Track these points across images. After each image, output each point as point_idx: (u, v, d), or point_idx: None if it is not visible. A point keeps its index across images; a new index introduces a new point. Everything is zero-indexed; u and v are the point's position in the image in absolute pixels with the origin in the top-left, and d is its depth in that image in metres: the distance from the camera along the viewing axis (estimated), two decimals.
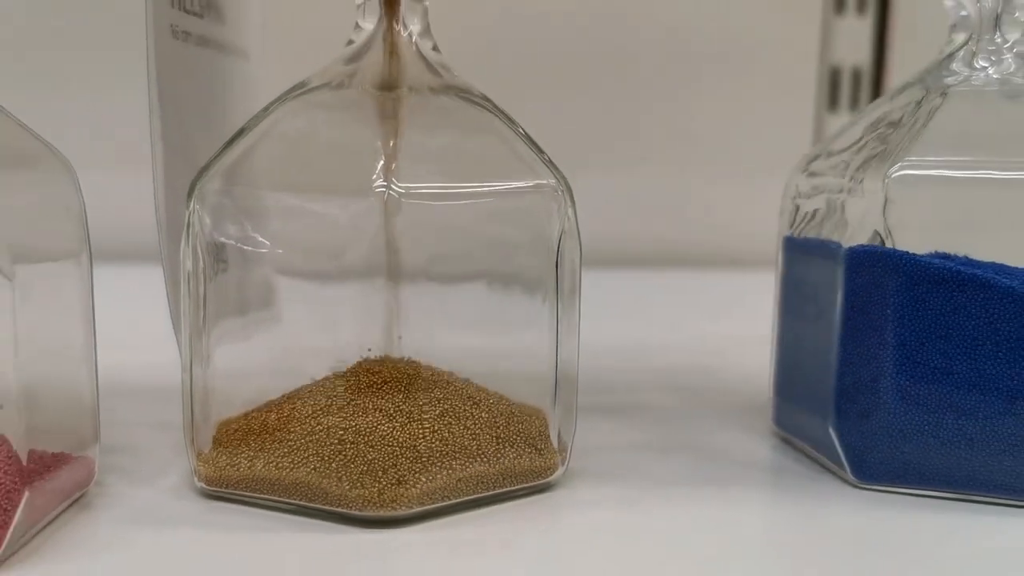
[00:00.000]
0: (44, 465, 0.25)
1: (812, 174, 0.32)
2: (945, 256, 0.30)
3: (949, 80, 0.31)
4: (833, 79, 0.74)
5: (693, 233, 0.70)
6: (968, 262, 0.29)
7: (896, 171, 0.28)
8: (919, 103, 0.30)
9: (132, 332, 0.36)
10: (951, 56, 0.31)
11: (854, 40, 0.73)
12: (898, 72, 0.72)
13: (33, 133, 0.26)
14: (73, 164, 0.27)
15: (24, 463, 0.24)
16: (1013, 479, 0.27)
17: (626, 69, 0.72)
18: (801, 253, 0.32)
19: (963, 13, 0.31)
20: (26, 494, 0.23)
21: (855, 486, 0.29)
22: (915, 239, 0.29)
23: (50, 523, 0.25)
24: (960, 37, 0.31)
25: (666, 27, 0.72)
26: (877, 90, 0.74)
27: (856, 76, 0.74)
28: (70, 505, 0.27)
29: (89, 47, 0.58)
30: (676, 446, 0.33)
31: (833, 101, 0.75)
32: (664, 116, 0.72)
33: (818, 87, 0.74)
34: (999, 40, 0.31)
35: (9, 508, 0.23)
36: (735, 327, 0.46)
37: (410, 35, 0.29)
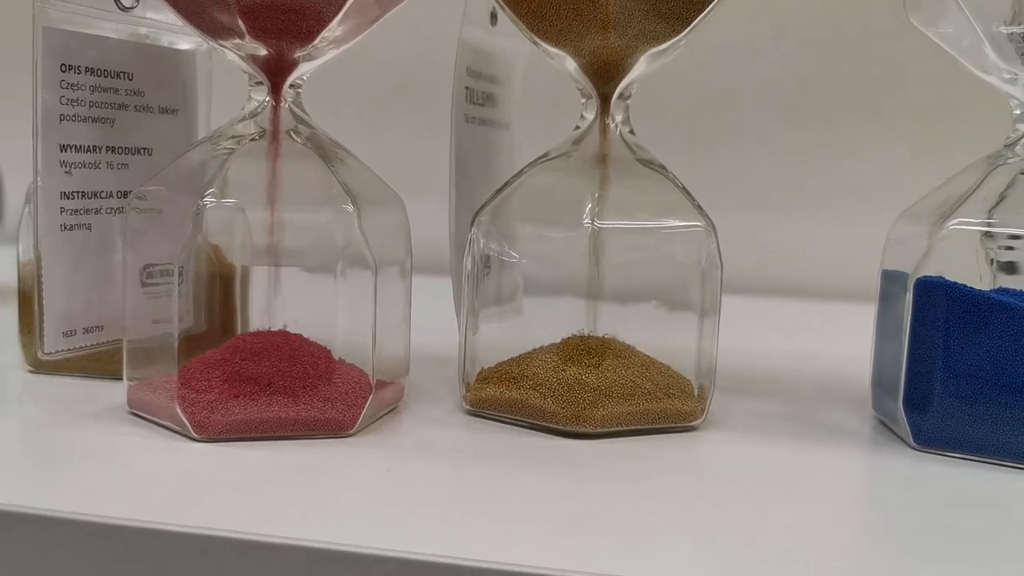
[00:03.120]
0: (381, 384, 0.42)
1: (905, 222, 0.44)
2: (1003, 291, 0.41)
3: (1012, 161, 0.41)
4: None
5: (810, 267, 0.81)
6: (1009, 292, 0.40)
7: (949, 225, 0.40)
8: (982, 179, 0.41)
9: (426, 315, 0.52)
10: (1015, 143, 0.42)
11: None
12: None
13: (383, 182, 0.43)
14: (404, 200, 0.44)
15: (372, 382, 0.41)
16: (1022, 449, 0.38)
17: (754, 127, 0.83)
18: (889, 282, 0.44)
19: (1018, 111, 0.42)
20: (371, 396, 0.40)
21: (915, 448, 0.41)
22: (970, 274, 0.40)
23: (380, 417, 0.42)
24: (1022, 127, 0.42)
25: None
26: None
27: None
28: (390, 411, 0.43)
29: (412, 131, 0.80)
30: (796, 418, 0.45)
31: None
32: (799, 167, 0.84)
33: None
34: None
35: (362, 402, 0.40)
36: (846, 343, 0.56)
37: (616, 124, 0.44)
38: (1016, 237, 0.40)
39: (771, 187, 0.85)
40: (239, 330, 0.46)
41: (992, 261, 0.42)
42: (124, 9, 0.44)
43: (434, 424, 0.42)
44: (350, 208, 0.39)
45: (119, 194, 0.44)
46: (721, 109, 0.86)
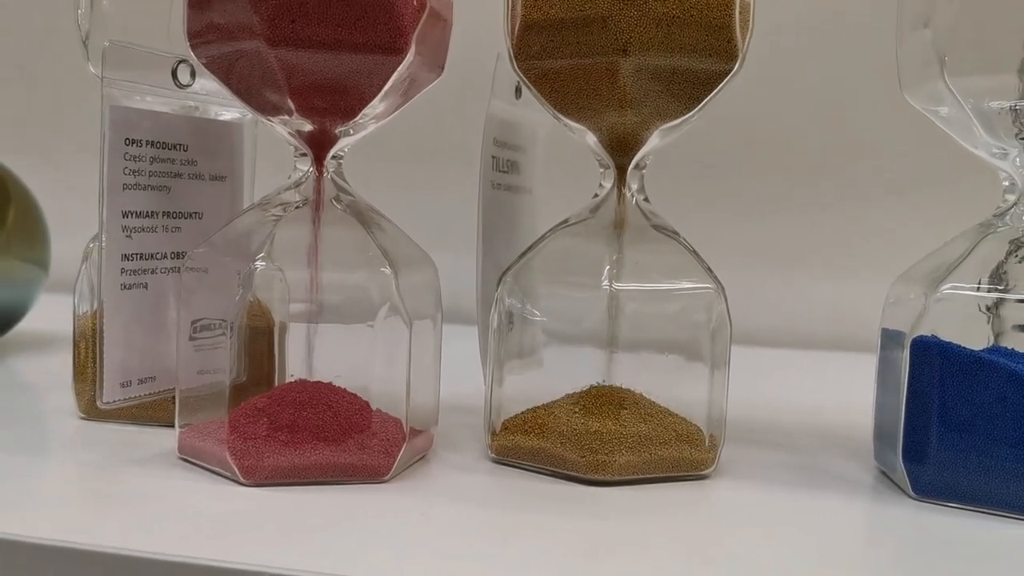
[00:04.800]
0: (414, 432, 0.45)
1: (902, 284, 0.47)
2: (993, 350, 0.44)
3: (1001, 229, 0.45)
4: None
5: (817, 322, 0.84)
6: (999, 351, 0.43)
7: (943, 289, 0.43)
8: (973, 246, 0.44)
9: (453, 366, 0.55)
10: (1004, 213, 0.45)
11: None
12: None
13: (416, 244, 0.47)
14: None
15: (406, 430, 0.44)
16: (1015, 499, 0.41)
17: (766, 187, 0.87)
18: (888, 340, 0.47)
19: (1007, 183, 0.45)
20: (405, 444, 0.43)
21: (913, 498, 0.43)
22: (962, 334, 0.43)
23: (411, 464, 0.45)
24: (1011, 197, 0.45)
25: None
26: None
27: None
28: (420, 458, 0.46)
29: (445, 195, 0.84)
30: (801, 467, 0.48)
31: None
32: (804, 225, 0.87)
33: None
34: None
35: (396, 449, 0.43)
36: (848, 395, 0.59)
37: (631, 192, 0.47)
38: (1001, 300, 0.43)
39: (778, 247, 0.89)
40: (276, 381, 0.49)
41: (989, 323, 0.45)
42: (181, 87, 0.48)
43: (462, 471, 0.45)
44: (387, 271, 0.43)
45: (173, 255, 0.48)
46: (733, 172, 0.89)
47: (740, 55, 0.43)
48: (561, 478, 0.44)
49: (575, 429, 0.44)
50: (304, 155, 0.45)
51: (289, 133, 0.44)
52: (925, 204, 0.85)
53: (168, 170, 0.47)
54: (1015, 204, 0.45)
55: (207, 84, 0.49)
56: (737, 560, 0.35)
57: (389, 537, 0.36)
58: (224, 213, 0.50)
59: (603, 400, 0.45)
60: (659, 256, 0.46)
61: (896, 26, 0.46)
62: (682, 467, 0.45)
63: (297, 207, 0.44)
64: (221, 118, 0.50)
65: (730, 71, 0.43)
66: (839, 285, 0.85)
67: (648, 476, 0.44)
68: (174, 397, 0.49)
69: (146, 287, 0.47)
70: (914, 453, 0.43)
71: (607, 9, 0.41)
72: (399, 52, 0.41)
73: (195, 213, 0.49)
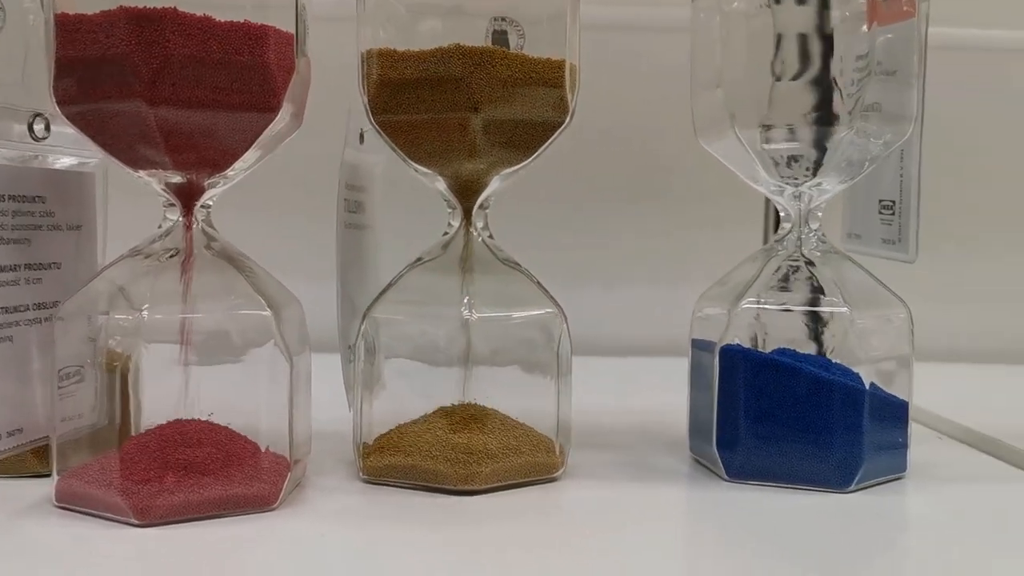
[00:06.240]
0: (295, 461, 0.48)
1: (707, 301, 0.55)
2: (781, 352, 0.53)
3: (780, 252, 0.54)
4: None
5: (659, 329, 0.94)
6: (787, 353, 0.52)
7: (742, 305, 0.51)
8: (762, 267, 0.53)
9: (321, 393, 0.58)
10: (782, 239, 0.55)
11: None
12: None
13: (282, 284, 0.50)
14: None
15: (290, 460, 0.47)
16: (809, 475, 0.50)
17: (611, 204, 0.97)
18: (698, 349, 0.55)
19: (783, 214, 0.54)
20: (290, 472, 0.47)
21: (727, 480, 0.52)
22: (757, 340, 0.52)
23: (292, 491, 0.48)
24: (787, 225, 0.55)
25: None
26: None
27: None
28: (297, 485, 0.50)
29: (304, 239, 0.86)
30: (632, 463, 0.55)
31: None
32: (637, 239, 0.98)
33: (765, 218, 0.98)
34: (809, 227, 0.54)
35: (281, 479, 0.46)
36: (661, 396, 0.68)
37: (477, 230, 0.53)
38: (786, 311, 0.52)
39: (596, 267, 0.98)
40: (141, 423, 0.51)
41: (771, 332, 0.54)
42: (37, 140, 0.48)
43: (341, 492, 0.49)
44: (267, 312, 0.46)
45: (35, 306, 0.48)
46: (560, 201, 0.98)
47: (570, 110, 0.50)
48: (432, 491, 0.49)
49: (443, 444, 0.49)
50: (172, 205, 0.47)
51: (159, 185, 0.46)
52: (721, 222, 0.96)
53: (28, 223, 0.48)
54: (790, 231, 0.55)
55: (57, 132, 0.49)
56: (588, 548, 0.42)
57: (290, 561, 0.40)
58: (83, 261, 0.51)
59: (466, 416, 0.50)
60: (506, 286, 0.52)
61: (691, 84, 0.55)
62: (537, 472, 0.51)
63: (171, 255, 0.46)
64: (74, 168, 0.51)
65: (563, 123, 0.50)
66: (647, 295, 0.95)
67: (509, 483, 0.50)
68: (36, 448, 0.49)
69: (11, 340, 0.47)
70: (726, 442, 0.52)
71: (460, 72, 0.47)
72: (272, 110, 0.44)
73: (54, 263, 0.49)
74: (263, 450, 0.47)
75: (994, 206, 0.99)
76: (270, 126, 0.45)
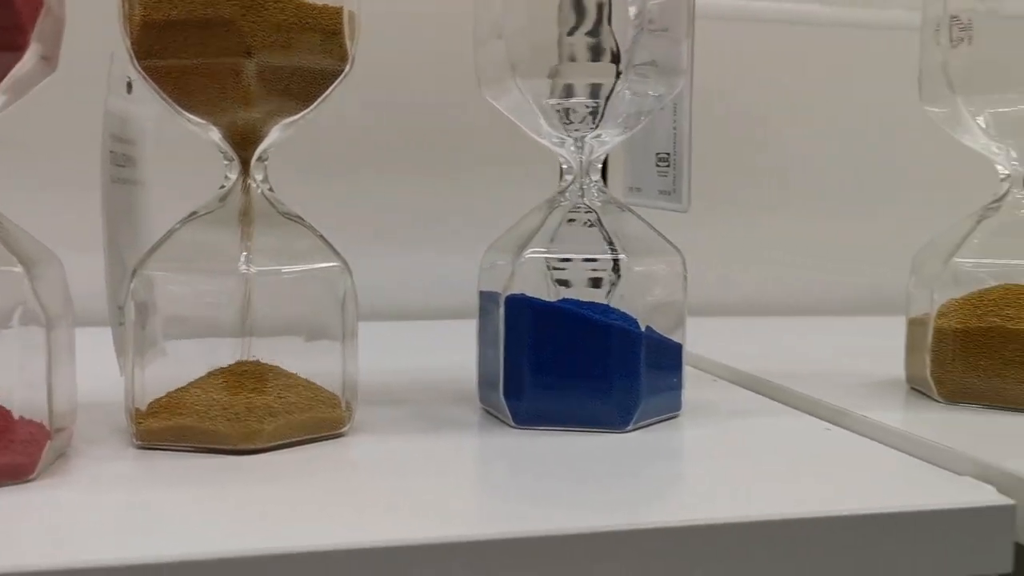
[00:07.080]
0: (56, 430, 0.45)
1: (493, 252, 0.56)
2: (564, 300, 0.54)
3: (563, 203, 0.55)
4: None
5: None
6: (569, 301, 0.53)
7: (525, 255, 0.52)
8: (545, 218, 0.54)
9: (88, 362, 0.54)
10: (564, 190, 0.56)
11: None
12: None
13: (39, 241, 0.46)
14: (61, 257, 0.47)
15: (49, 429, 0.44)
16: (591, 417, 0.52)
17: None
18: (485, 300, 0.55)
19: (565, 165, 0.56)
20: (49, 442, 0.43)
21: (514, 427, 0.53)
22: (539, 289, 0.53)
23: (55, 461, 0.45)
24: (569, 177, 0.56)
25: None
26: None
27: None
28: (61, 456, 0.46)
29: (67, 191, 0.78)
30: (422, 416, 0.55)
31: None
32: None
33: None
34: (590, 179, 0.56)
35: (40, 448, 0.43)
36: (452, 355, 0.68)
37: (257, 183, 0.51)
38: (567, 260, 0.54)
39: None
40: None
41: (554, 280, 0.55)
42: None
43: (111, 460, 0.46)
44: (18, 269, 0.42)
45: None
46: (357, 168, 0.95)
47: (350, 58, 0.49)
48: (213, 452, 0.47)
49: (221, 403, 0.47)
50: None
51: None
52: (502, 182, 0.97)
53: None
54: (572, 183, 0.56)
55: None
56: (377, 498, 0.42)
57: (48, 528, 0.37)
58: None
59: (245, 375, 0.48)
60: (288, 240, 0.50)
61: (473, 35, 0.55)
62: (323, 428, 0.50)
63: None
64: None
65: (342, 71, 0.49)
66: (436, 258, 0.95)
67: (294, 440, 0.48)
68: None
69: None
70: (513, 391, 0.52)
71: (230, 13, 0.45)
72: (18, 49, 0.41)
73: None
74: (18, 420, 0.43)
75: (765, 169, 1.06)
76: (15, 67, 0.41)
